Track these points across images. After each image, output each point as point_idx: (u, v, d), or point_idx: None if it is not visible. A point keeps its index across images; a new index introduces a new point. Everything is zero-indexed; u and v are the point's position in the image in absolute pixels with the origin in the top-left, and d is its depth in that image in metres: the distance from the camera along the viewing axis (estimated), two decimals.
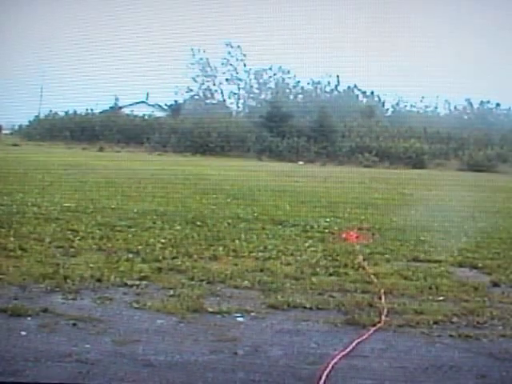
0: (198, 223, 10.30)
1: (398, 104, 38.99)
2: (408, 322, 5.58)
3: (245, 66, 38.49)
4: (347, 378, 4.46)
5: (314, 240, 9.38)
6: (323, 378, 4.32)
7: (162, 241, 8.64)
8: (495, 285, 7.14)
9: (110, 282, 6.47)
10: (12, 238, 8.26)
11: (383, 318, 5.63)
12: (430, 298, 6.41)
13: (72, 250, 7.89)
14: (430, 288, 6.75)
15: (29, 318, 5.28)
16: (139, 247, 8.14)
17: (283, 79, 40.52)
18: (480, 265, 8.11)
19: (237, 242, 8.88)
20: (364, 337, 5.16)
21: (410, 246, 9.28)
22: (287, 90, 40.87)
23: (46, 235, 8.61)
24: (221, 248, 8.38)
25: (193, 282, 6.60)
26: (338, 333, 5.32)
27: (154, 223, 10.14)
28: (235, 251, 8.27)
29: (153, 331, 5.15)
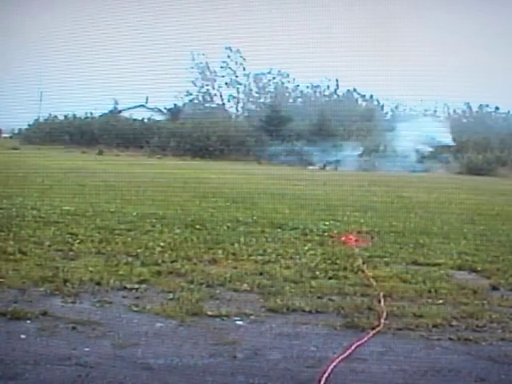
0: (198, 226, 10.30)
1: (397, 108, 38.93)
2: (407, 325, 5.58)
3: (244, 69, 38.47)
4: (346, 381, 4.46)
5: (313, 243, 9.39)
6: (322, 381, 4.32)
7: (162, 244, 8.65)
8: (494, 288, 7.14)
9: (109, 285, 6.47)
10: (11, 242, 8.27)
11: (382, 321, 5.63)
12: (430, 301, 6.41)
13: (71, 253, 7.89)
14: (430, 291, 6.75)
15: (28, 322, 5.28)
16: (138, 250, 8.14)
17: (282, 83, 40.48)
18: (479, 268, 8.11)
19: (236, 245, 8.88)
20: (363, 340, 5.16)
21: (409, 249, 9.28)
22: (286, 94, 40.83)
23: (45, 238, 8.62)
24: (220, 251, 8.39)
25: (192, 286, 6.60)
26: (337, 336, 5.32)
27: (154, 226, 10.15)
28: (234, 254, 8.28)
29: (152, 335, 5.15)
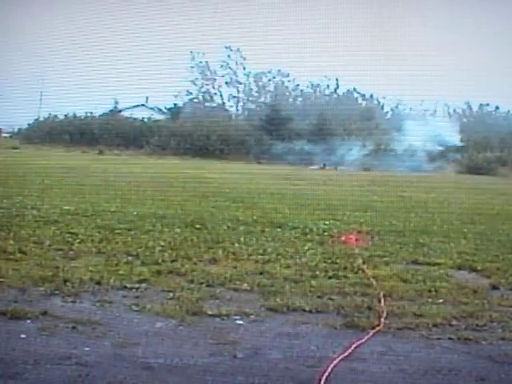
0: (198, 226, 10.30)
1: (397, 107, 38.89)
2: (407, 324, 5.58)
3: (244, 69, 38.43)
4: (346, 380, 4.46)
5: (313, 243, 9.39)
6: (322, 380, 4.32)
7: (162, 244, 8.65)
8: (494, 287, 7.14)
9: (109, 284, 6.47)
10: (11, 241, 8.27)
11: (382, 320, 5.63)
12: (430, 300, 6.41)
13: (71, 252, 7.89)
14: (430, 291, 6.75)
15: (28, 321, 5.28)
16: (139, 250, 8.14)
17: (282, 82, 40.46)
18: (479, 267, 8.11)
19: (236, 244, 8.88)
20: (363, 340, 5.16)
21: (410, 248, 9.28)
22: (286, 93, 40.82)
23: (45, 238, 8.62)
24: (220, 251, 8.39)
25: (192, 285, 6.60)
26: (337, 336, 5.32)
27: (154, 226, 10.15)
28: (234, 254, 8.28)
29: (152, 334, 5.15)
